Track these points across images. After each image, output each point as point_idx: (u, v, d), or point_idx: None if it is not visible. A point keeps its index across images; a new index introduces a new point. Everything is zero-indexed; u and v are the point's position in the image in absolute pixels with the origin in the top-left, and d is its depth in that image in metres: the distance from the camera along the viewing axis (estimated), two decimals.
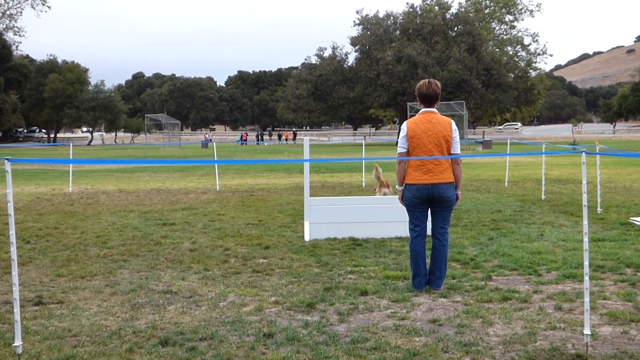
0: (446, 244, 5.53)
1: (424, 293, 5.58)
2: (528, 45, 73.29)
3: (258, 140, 74.99)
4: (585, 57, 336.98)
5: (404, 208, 5.64)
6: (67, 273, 6.63)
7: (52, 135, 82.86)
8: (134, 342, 4.36)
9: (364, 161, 20.50)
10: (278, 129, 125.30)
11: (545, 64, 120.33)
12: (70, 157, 17.42)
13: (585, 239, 4.13)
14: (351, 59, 75.94)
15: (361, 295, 5.55)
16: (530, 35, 75.88)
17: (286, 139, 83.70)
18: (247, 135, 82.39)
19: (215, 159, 20.75)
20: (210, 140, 68.79)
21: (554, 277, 6.12)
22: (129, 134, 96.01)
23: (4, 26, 70.43)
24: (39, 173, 24.67)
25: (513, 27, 74.09)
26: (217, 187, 16.78)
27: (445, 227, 5.53)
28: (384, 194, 10.19)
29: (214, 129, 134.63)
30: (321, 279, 6.14)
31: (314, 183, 17.79)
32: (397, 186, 5.54)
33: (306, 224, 8.57)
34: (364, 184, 17.28)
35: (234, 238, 8.66)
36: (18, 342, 4.03)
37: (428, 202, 5.43)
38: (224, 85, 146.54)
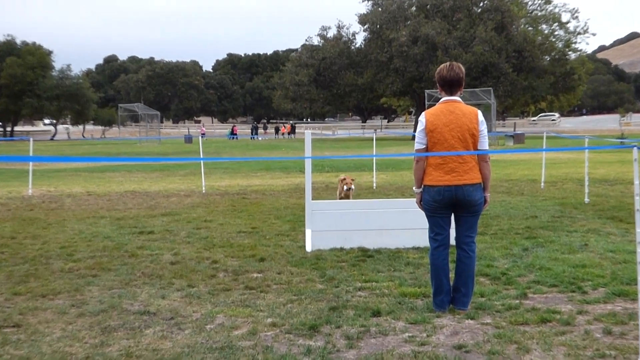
0: (473, 255, 5.49)
1: (447, 313, 5.58)
2: (566, 23, 73.25)
3: (252, 134, 74.78)
4: (633, 36, 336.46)
5: (423, 213, 5.63)
6: (25, 291, 6.61)
7: (9, 129, 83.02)
8: None
9: (374, 158, 20.46)
10: (274, 121, 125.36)
11: (586, 45, 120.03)
12: (30, 154, 17.42)
13: (638, 250, 4.11)
14: (359, 40, 76.49)
15: (373, 316, 5.56)
16: (569, 12, 76.09)
17: (284, 133, 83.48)
18: (238, 129, 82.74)
19: (201, 156, 20.45)
20: (204, 134, 68.84)
21: (602, 295, 6.13)
22: (100, 127, 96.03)
23: None
24: None
25: (549, 2, 73.98)
26: (203, 188, 16.83)
27: (471, 236, 5.50)
28: (348, 190, 10.91)
29: (199, 121, 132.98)
30: (326, 296, 6.14)
31: (317, 184, 17.85)
32: (414, 188, 5.52)
33: (307, 232, 8.54)
34: (374, 184, 17.29)
35: (223, 249, 8.64)
36: None
37: (451, 207, 5.41)
38: (211, 71, 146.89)
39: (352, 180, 11.15)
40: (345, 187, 10.81)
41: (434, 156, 5.31)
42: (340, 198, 10.98)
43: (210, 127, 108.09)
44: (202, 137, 69.24)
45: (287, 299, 6.08)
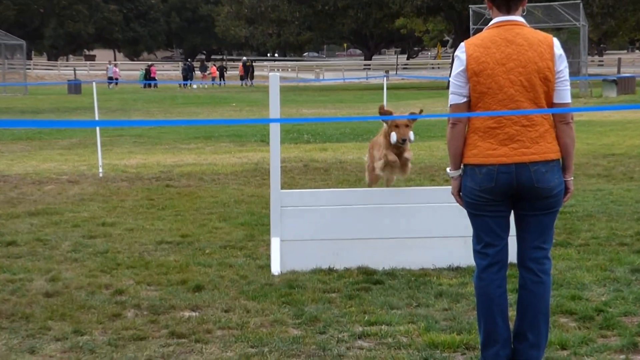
0: (547, 280, 5.15)
1: None
2: None
3: (185, 79, 64.88)
4: None
5: (463, 211, 5.26)
6: None
7: None
8: None
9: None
10: (219, 56, 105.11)
11: None
12: None
13: None
14: None
15: None
16: None
17: (214, 78, 69.24)
18: (157, 70, 70.23)
19: (97, 116, 18.40)
20: (117, 80, 60.46)
21: None
22: None
23: None
24: None
25: None
26: (100, 170, 14.98)
27: (544, 248, 5.14)
28: (403, 142, 7.81)
29: (92, 56, 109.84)
30: (304, 350, 5.68)
31: (290, 162, 16.62)
32: (448, 169, 5.19)
33: (274, 243, 7.93)
34: None
35: (134, 270, 7.94)
36: None
37: (510, 199, 5.08)
38: None
39: (409, 125, 8.04)
40: (395, 138, 7.77)
41: (481, 116, 5.08)
42: (384, 166, 8.21)
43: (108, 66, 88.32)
44: (111, 84, 59.28)
45: (239, 353, 5.58)
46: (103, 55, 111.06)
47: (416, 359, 5.40)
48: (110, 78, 61.00)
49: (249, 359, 5.44)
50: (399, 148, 7.87)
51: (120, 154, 18.57)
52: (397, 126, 7.77)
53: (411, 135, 7.78)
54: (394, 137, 7.73)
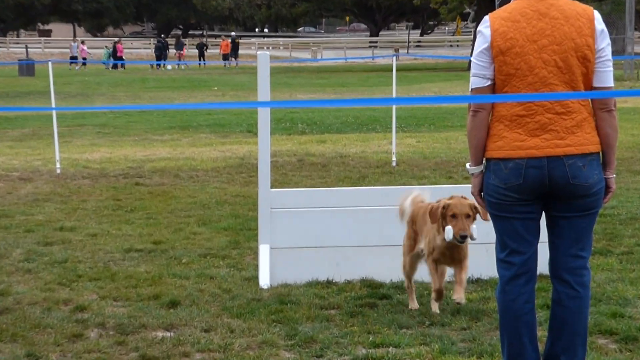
0: (585, 294, 5.04)
1: None
2: None
3: (157, 59, 62.81)
4: None
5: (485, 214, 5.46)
6: None
7: None
8: None
9: (394, 107, 18.41)
10: (199, 32, 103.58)
11: None
12: None
13: None
14: None
15: None
16: None
17: (180, 59, 66.58)
18: (123, 48, 67.32)
19: (53, 102, 17.97)
20: (84, 61, 58.05)
21: None
22: None
23: None
24: None
25: None
26: (58, 165, 14.58)
27: (582, 256, 5.02)
28: (462, 239, 6.40)
29: (47, 31, 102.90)
30: None
31: (282, 156, 16.32)
32: (468, 165, 5.05)
33: (263, 251, 7.76)
34: (394, 157, 15.26)
35: (97, 283, 7.78)
36: None
37: (541, 199, 4.94)
38: None
39: (472, 215, 6.74)
40: (451, 235, 6.53)
41: (508, 102, 4.96)
42: (433, 260, 6.74)
43: (66, 45, 79.84)
44: (78, 65, 56.46)
45: None
46: (60, 30, 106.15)
47: None
48: (74, 57, 58.25)
49: None
50: (454, 248, 6.39)
51: (81, 147, 18.09)
52: (454, 216, 6.23)
53: (474, 230, 6.35)
54: (449, 232, 6.22)
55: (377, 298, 7.11)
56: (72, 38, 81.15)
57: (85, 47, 64.10)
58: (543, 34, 4.87)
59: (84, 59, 57.70)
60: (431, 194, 7.33)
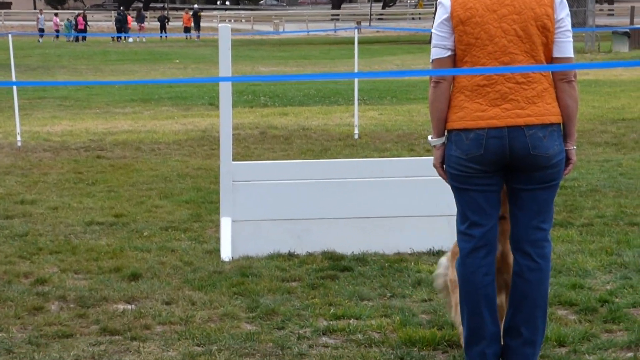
0: (545, 266, 5.04)
1: None
2: None
3: (118, 31, 61.68)
4: None
5: (446, 186, 5.19)
6: None
7: None
8: None
9: (356, 80, 18.59)
10: (159, 4, 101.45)
11: None
12: None
13: None
14: None
15: None
16: None
17: (186, 30, 66.53)
18: (84, 21, 66.82)
19: (13, 76, 17.65)
20: (57, 32, 58.28)
21: None
22: None
23: None
24: None
25: None
26: (19, 138, 14.53)
27: (543, 228, 5.04)
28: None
29: (7, 4, 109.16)
30: (260, 348, 5.65)
31: (244, 129, 16.42)
32: (430, 137, 5.08)
33: (224, 224, 7.81)
34: (356, 130, 15.39)
35: (58, 256, 7.76)
36: None
37: (502, 170, 4.97)
38: None
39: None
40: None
41: (469, 73, 4.96)
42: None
43: (29, 18, 76.78)
44: (51, 37, 57.26)
45: (183, 353, 5.53)
46: (20, 2, 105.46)
47: (390, 358, 5.33)
48: (42, 30, 58.21)
49: (195, 359, 5.32)
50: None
51: (42, 120, 18.07)
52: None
53: None
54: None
55: (338, 270, 7.18)
56: (32, 11, 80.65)
57: (57, 19, 64.55)
58: (503, 4, 4.88)
59: (57, 31, 58.33)
60: None
